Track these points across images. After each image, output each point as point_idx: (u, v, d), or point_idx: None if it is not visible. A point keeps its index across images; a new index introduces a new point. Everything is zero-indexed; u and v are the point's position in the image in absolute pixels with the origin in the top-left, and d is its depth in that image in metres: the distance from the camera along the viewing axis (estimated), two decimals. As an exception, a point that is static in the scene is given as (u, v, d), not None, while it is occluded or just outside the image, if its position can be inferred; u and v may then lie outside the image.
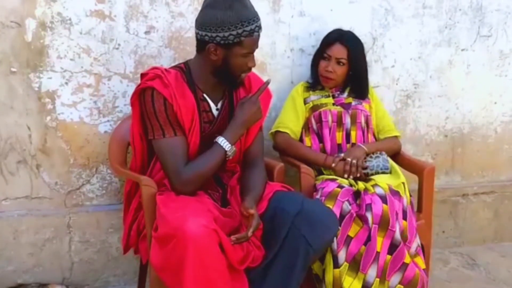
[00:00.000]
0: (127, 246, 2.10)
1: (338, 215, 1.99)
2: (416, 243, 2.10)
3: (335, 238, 1.98)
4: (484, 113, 2.97)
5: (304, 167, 2.23)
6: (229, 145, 1.89)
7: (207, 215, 1.73)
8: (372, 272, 1.99)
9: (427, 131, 2.91)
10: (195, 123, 1.89)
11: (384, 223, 2.00)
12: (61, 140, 2.35)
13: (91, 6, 2.29)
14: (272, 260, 1.83)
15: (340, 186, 2.09)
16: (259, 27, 1.83)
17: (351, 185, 2.16)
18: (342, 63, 2.36)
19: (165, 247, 1.70)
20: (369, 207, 2.02)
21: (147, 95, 1.86)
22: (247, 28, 1.78)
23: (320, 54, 2.42)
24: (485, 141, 3.01)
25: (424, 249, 2.22)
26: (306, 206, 1.86)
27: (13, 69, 2.25)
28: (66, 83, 2.32)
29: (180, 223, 1.65)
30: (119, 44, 2.35)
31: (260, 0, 2.50)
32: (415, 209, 2.33)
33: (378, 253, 1.99)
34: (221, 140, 1.89)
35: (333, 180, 2.17)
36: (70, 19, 2.27)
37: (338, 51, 2.35)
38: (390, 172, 2.28)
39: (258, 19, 1.83)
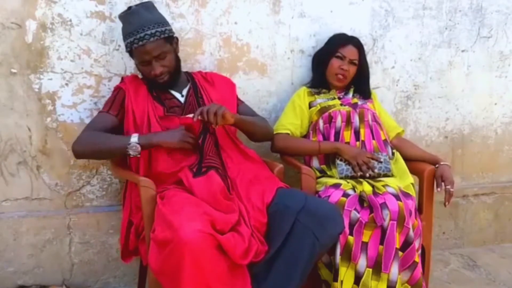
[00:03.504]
0: (126, 251, 2.10)
1: (348, 225, 1.99)
2: (418, 244, 2.10)
3: (339, 248, 1.98)
4: (484, 114, 2.98)
5: (305, 168, 2.22)
6: (136, 142, 1.95)
7: (203, 218, 1.72)
8: (394, 270, 1.98)
9: (427, 132, 2.91)
10: (148, 110, 2.10)
11: (401, 220, 1.99)
12: (62, 141, 2.35)
13: (91, 7, 2.29)
14: (276, 254, 1.84)
15: (345, 194, 2.07)
16: (139, 39, 2.03)
17: (353, 188, 2.14)
18: (354, 63, 2.44)
19: (163, 250, 1.70)
20: (384, 205, 2.01)
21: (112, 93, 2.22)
22: (128, 41, 2.06)
23: (332, 54, 2.44)
24: (485, 142, 3.01)
25: (424, 252, 2.23)
26: (309, 202, 1.90)
27: (13, 70, 2.25)
28: (67, 84, 2.32)
29: (176, 228, 1.66)
30: (119, 45, 2.35)
31: (261, 1, 2.51)
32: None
33: (397, 249, 1.98)
34: (134, 135, 1.97)
35: (336, 186, 2.14)
36: (70, 20, 2.28)
37: (352, 52, 2.43)
38: (392, 175, 2.28)
39: (138, 32, 2.03)
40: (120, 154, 2.03)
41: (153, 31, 2.03)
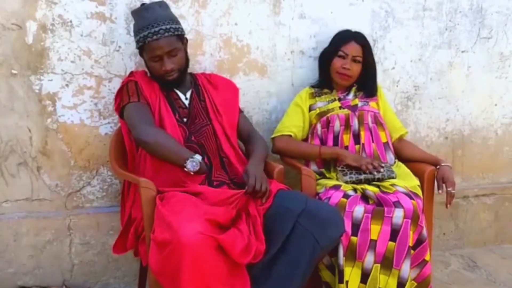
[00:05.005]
0: (123, 246, 2.10)
1: (350, 226, 1.99)
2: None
3: (342, 249, 1.97)
4: (485, 115, 2.97)
5: (306, 169, 2.22)
6: (195, 166, 1.89)
7: (202, 219, 1.73)
8: (406, 267, 1.98)
9: (428, 133, 2.91)
10: (160, 103, 2.09)
11: (415, 218, 1.99)
12: (62, 142, 2.35)
13: (91, 8, 2.29)
14: (276, 256, 1.84)
15: (346, 195, 2.07)
16: (153, 33, 2.02)
17: (355, 190, 2.14)
18: (357, 61, 2.37)
19: (163, 251, 1.71)
20: (398, 203, 2.01)
21: (123, 87, 2.15)
22: (141, 35, 2.04)
23: (334, 53, 2.39)
24: (485, 143, 3.01)
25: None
26: (310, 205, 1.90)
27: (14, 71, 2.26)
28: (67, 85, 2.32)
29: (175, 229, 1.66)
30: (119, 46, 2.35)
31: (261, 2, 2.51)
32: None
33: (410, 247, 1.98)
34: (197, 157, 1.91)
35: (336, 187, 2.13)
36: (70, 21, 2.28)
37: (354, 49, 2.36)
38: (395, 178, 2.27)
39: (153, 26, 2.02)
40: (171, 159, 1.96)
41: (167, 26, 2.03)
